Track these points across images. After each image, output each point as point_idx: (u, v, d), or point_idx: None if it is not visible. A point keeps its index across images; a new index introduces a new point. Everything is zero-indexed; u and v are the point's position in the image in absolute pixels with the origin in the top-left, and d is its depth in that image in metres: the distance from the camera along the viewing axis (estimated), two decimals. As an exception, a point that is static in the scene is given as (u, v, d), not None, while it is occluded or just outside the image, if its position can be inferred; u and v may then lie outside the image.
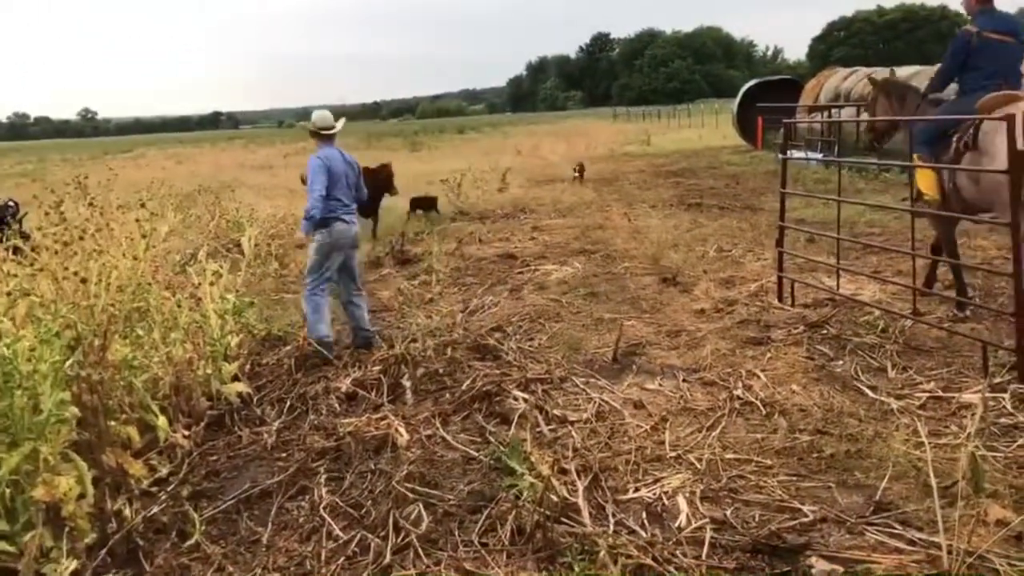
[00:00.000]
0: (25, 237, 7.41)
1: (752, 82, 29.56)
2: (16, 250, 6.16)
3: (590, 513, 3.76)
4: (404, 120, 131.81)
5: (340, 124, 6.83)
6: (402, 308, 8.24)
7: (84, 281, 4.44)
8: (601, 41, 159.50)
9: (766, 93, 26.49)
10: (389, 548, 3.62)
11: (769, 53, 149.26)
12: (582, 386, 5.59)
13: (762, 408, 4.97)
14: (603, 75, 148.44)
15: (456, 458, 4.63)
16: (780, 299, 7.44)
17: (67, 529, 3.62)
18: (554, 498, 3.75)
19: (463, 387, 5.64)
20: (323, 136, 6.73)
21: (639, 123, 56.45)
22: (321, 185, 6.43)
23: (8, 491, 3.35)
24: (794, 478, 4.08)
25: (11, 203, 11.58)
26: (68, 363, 3.79)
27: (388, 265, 10.64)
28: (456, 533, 3.74)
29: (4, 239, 7.24)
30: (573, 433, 4.79)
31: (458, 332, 6.97)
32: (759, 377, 5.49)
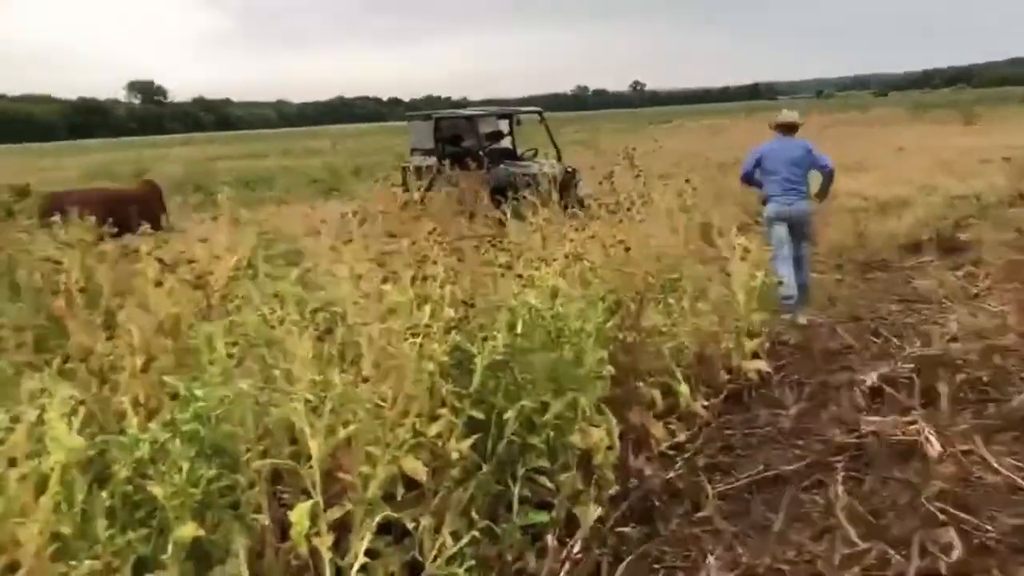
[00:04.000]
0: (581, 203, 8.20)
1: None
2: (572, 216, 6.84)
3: None
4: (958, 89, 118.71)
5: (793, 116, 7.70)
6: (942, 301, 7.45)
7: (628, 250, 4.75)
8: None
9: None
10: (913, 570, 3.29)
11: None
12: None
13: None
14: None
15: (999, 483, 4.04)
16: None
17: (594, 477, 3.93)
18: None
19: (1013, 403, 4.91)
20: (779, 128, 7.65)
21: None
22: (743, 169, 7.75)
23: (551, 434, 3.73)
24: None
25: (570, 169, 12.93)
26: (608, 324, 4.09)
27: (930, 251, 9.70)
28: (996, 572, 3.26)
29: (567, 205, 8.06)
30: None
31: (1010, 337, 6.07)
32: None
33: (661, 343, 4.93)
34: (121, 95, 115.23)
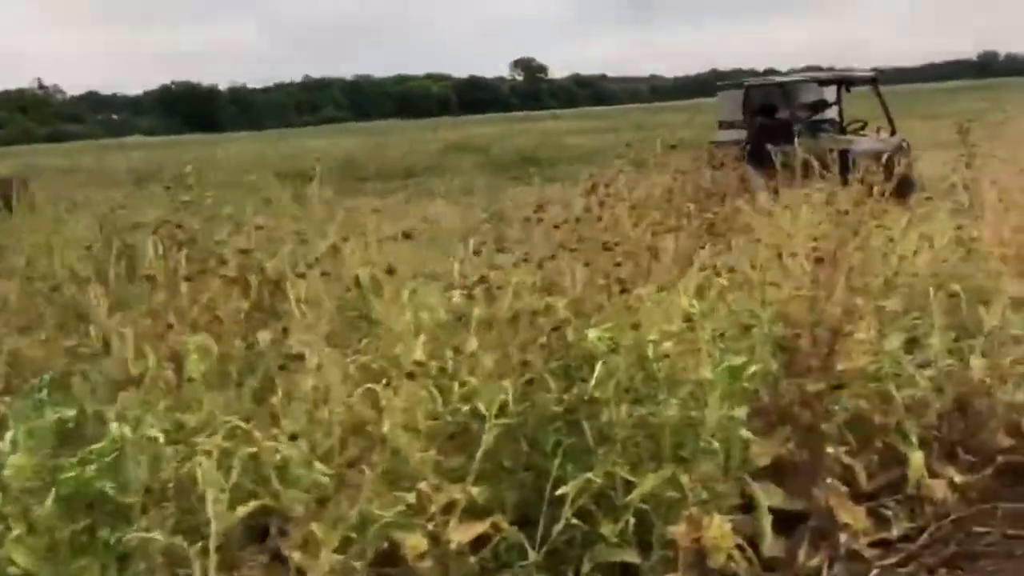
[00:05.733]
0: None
1: None
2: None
3: None
4: None
5: None
6: None
7: (820, 261, 3.32)
8: None
9: None
10: None
11: None
12: None
13: None
14: None
15: None
16: None
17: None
18: None
19: None
20: None
21: None
22: None
23: (631, 520, 2.65)
24: None
25: (905, 144, 10.88)
26: (754, 369, 2.86)
27: None
28: None
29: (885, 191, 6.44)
30: None
31: None
32: None
33: (890, 386, 3.48)
34: (505, 72, 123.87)
